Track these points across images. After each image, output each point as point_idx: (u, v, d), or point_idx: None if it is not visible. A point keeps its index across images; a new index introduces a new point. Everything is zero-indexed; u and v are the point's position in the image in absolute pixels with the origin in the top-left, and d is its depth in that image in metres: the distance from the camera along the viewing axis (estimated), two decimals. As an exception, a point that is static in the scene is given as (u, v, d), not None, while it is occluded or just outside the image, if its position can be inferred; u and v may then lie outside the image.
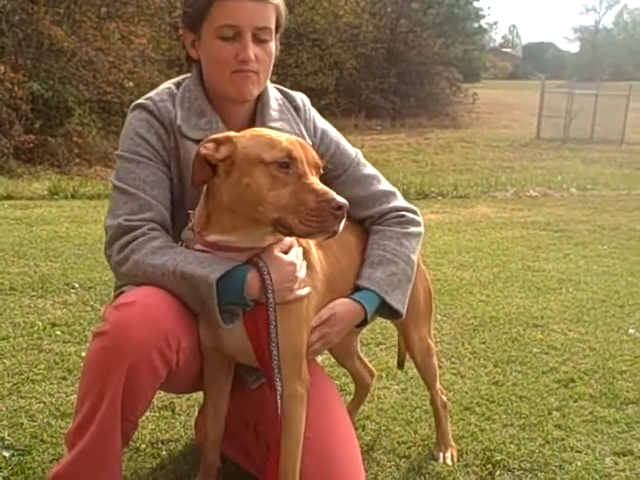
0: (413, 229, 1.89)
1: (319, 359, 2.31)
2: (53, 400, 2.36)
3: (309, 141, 1.78)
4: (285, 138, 1.47)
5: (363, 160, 1.92)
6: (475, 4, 27.43)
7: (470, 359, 2.93)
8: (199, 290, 1.47)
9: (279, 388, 1.54)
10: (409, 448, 2.17)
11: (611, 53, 61.28)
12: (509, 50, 70.66)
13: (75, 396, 1.72)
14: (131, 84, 13.12)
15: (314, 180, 1.42)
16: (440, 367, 2.45)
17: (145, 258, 1.54)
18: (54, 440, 2.09)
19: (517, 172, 12.36)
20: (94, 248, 4.49)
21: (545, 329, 3.36)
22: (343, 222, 1.39)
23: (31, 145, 11.21)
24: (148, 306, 1.48)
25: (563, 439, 2.24)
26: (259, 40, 1.67)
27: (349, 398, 2.39)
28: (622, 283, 4.32)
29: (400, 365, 2.35)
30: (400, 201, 1.92)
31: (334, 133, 1.92)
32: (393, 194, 1.92)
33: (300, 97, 1.90)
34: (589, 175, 11.37)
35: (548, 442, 2.22)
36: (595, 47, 64.78)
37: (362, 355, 2.34)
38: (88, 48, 12.61)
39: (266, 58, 1.70)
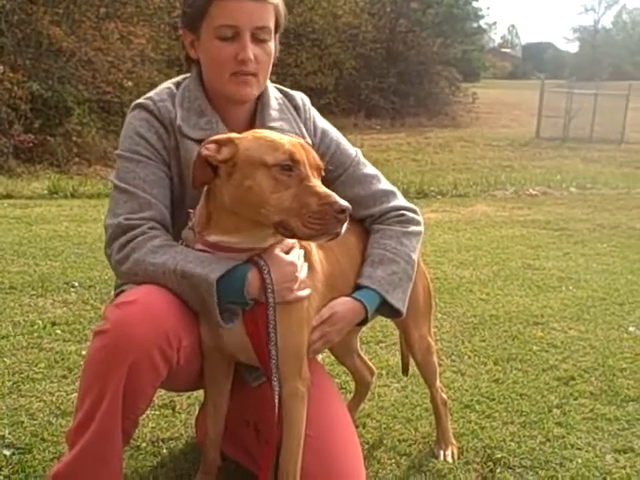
0: (413, 228, 1.89)
1: (319, 357, 2.31)
2: (53, 399, 2.36)
3: (309, 140, 1.78)
4: (287, 140, 1.47)
5: (363, 159, 1.92)
6: (474, 4, 27.43)
7: (470, 357, 2.94)
8: (199, 289, 1.47)
9: (277, 388, 1.54)
10: (410, 446, 2.17)
11: (610, 53, 61.30)
12: (508, 50, 70.69)
13: (75, 395, 1.72)
14: (130, 84, 13.10)
15: (316, 183, 1.42)
16: (440, 365, 2.45)
17: (145, 257, 1.54)
18: (55, 439, 2.09)
19: (517, 171, 12.35)
20: (94, 247, 4.50)
21: (545, 327, 3.37)
22: (345, 225, 1.40)
23: (30, 144, 11.20)
24: (149, 305, 1.48)
25: (563, 436, 2.24)
26: (258, 40, 1.67)
27: (349, 396, 2.39)
28: (622, 281, 4.32)
29: (405, 371, 2.34)
30: (400, 200, 1.92)
31: (334, 133, 1.92)
32: (393, 193, 1.92)
33: (300, 96, 1.90)
34: (589, 174, 11.38)
35: (549, 440, 2.22)
36: (594, 47, 64.79)
37: (362, 353, 2.35)
38: (87, 48, 12.60)
39: (265, 58, 1.70)
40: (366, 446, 2.14)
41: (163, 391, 2.29)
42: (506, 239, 5.65)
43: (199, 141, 1.59)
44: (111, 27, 13.30)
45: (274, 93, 1.83)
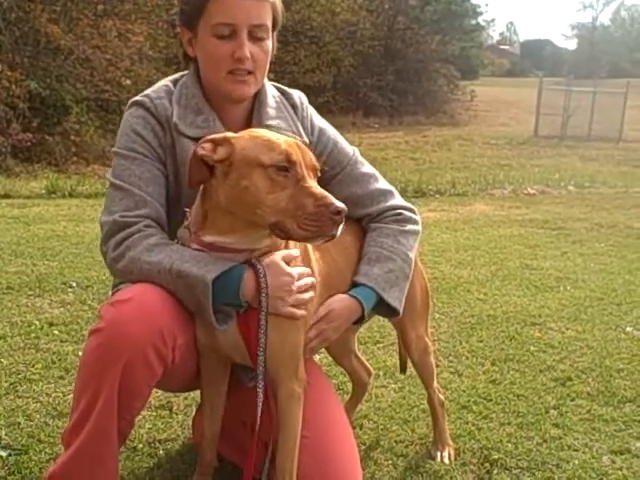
0: (411, 227, 1.89)
1: (316, 358, 2.31)
2: (50, 400, 2.36)
3: (306, 139, 1.78)
4: (283, 140, 1.46)
5: (360, 158, 1.92)
6: (472, 1, 27.38)
7: (467, 357, 2.93)
8: (195, 290, 1.47)
9: (261, 395, 1.54)
10: (407, 447, 2.16)
11: (608, 50, 61.32)
12: (507, 47, 70.57)
13: (72, 396, 1.72)
14: (128, 82, 13.08)
15: (312, 184, 1.42)
16: (437, 365, 2.45)
17: (141, 255, 1.54)
18: (51, 440, 2.08)
19: (515, 170, 12.36)
20: (92, 247, 4.48)
21: (543, 327, 3.37)
22: (341, 226, 1.39)
23: (28, 144, 11.19)
24: (144, 303, 1.48)
25: (560, 437, 2.24)
26: (255, 38, 1.67)
27: (346, 397, 2.39)
28: (619, 281, 4.32)
29: (402, 370, 2.34)
30: (398, 199, 1.92)
31: (331, 131, 1.91)
32: (390, 193, 1.92)
33: (297, 95, 1.89)
34: (587, 173, 11.39)
35: (545, 441, 2.22)
36: (592, 44, 64.82)
37: (359, 354, 2.34)
38: (85, 46, 12.58)
39: (262, 56, 1.69)
40: (363, 447, 2.14)
41: (160, 392, 2.29)
42: (504, 238, 5.65)
43: (196, 139, 1.59)
44: (109, 25, 13.29)
45: (271, 91, 1.83)
